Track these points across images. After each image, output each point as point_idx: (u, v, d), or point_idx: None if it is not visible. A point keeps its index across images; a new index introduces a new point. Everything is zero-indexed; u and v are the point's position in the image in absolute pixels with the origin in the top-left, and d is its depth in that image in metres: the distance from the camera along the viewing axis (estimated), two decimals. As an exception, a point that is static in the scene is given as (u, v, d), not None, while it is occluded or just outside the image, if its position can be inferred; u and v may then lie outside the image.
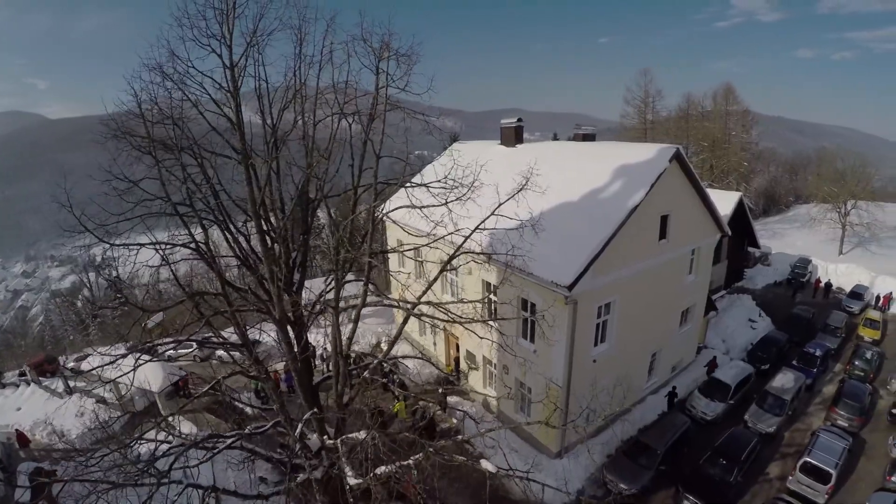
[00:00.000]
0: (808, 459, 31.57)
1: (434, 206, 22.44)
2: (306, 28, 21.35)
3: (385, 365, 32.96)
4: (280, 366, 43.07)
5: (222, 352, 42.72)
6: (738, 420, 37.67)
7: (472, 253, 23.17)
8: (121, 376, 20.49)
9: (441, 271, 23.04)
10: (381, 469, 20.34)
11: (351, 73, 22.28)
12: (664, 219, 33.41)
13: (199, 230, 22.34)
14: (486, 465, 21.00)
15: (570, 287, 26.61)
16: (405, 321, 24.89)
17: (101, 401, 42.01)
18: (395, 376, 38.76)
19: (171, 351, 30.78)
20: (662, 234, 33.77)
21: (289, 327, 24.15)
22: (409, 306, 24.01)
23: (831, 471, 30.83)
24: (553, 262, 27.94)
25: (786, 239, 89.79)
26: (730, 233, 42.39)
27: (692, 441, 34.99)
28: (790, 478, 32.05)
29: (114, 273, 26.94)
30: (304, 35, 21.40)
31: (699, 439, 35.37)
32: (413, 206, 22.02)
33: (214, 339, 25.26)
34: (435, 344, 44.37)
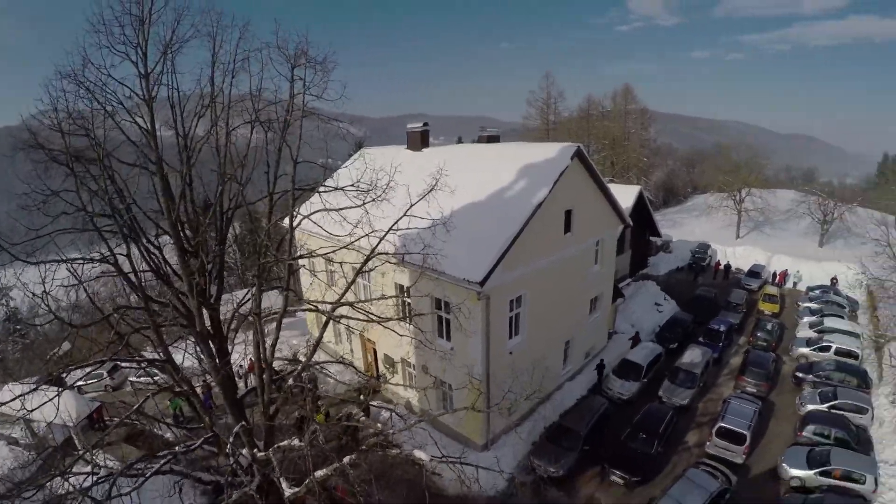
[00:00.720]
0: (723, 424, 34.64)
1: (351, 207, 22.81)
2: (223, 35, 20.85)
3: (305, 375, 31.82)
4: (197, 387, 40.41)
5: (135, 378, 41.83)
6: (653, 397, 40.41)
7: (387, 254, 24.01)
8: (32, 411, 19.17)
9: (358, 273, 23.23)
10: (319, 473, 20.67)
11: (267, 80, 21.98)
12: (568, 213, 35.50)
13: (117, 245, 21.25)
14: (419, 454, 21.81)
15: (482, 283, 27.87)
16: (325, 324, 24.66)
17: (13, 441, 38.38)
18: (315, 386, 37.64)
19: (80, 382, 29.74)
20: (567, 228, 35.88)
21: (209, 342, 23.63)
22: (328, 309, 24.04)
23: (745, 432, 33.98)
24: (464, 260, 29.01)
25: (685, 227, 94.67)
26: (631, 224, 45.38)
27: (612, 420, 37.15)
28: (708, 443, 35.01)
29: (11, 303, 25.60)
30: (221, 43, 20.91)
31: (618, 418, 37.66)
32: (330, 210, 22.66)
33: (133, 360, 24.06)
34: (352, 351, 44.67)
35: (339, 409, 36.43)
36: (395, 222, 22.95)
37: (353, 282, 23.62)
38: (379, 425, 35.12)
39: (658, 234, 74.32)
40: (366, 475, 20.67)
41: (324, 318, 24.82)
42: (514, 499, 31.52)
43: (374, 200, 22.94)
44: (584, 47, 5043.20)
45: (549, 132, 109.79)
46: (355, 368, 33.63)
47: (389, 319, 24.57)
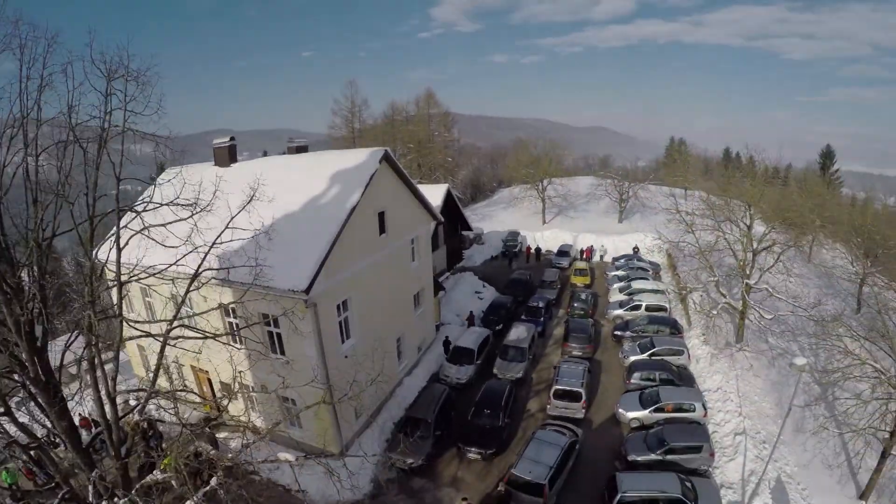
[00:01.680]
0: (558, 387, 37.32)
1: (178, 220, 21.50)
2: (32, 49, 18.33)
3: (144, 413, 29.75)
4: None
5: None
6: (489, 377, 41.90)
7: (215, 269, 23.19)
8: None
9: (188, 287, 22.29)
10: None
11: (79, 96, 19.47)
12: (381, 215, 36.31)
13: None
14: (283, 455, 21.57)
15: (307, 290, 28.09)
16: (162, 350, 22.74)
17: None
18: (154, 429, 35.71)
19: None
20: (382, 229, 36.69)
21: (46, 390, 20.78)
22: (163, 330, 22.42)
23: (579, 390, 36.86)
24: (287, 270, 28.83)
25: (495, 219, 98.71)
26: (443, 220, 47.13)
27: (456, 404, 38.54)
28: (548, 406, 37.38)
29: None
30: (31, 57, 18.36)
31: (462, 401, 39.05)
32: (156, 225, 20.91)
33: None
34: (185, 386, 42.22)
35: (185, 448, 34.85)
36: (219, 235, 22.47)
37: (184, 299, 22.67)
38: (229, 455, 33.95)
39: (469, 228, 77.95)
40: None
41: (155, 349, 23.77)
42: (382, 498, 31.95)
43: (202, 211, 21.75)
44: (388, 55, 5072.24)
45: (355, 140, 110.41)
46: (195, 400, 32.14)
47: (224, 334, 24.56)
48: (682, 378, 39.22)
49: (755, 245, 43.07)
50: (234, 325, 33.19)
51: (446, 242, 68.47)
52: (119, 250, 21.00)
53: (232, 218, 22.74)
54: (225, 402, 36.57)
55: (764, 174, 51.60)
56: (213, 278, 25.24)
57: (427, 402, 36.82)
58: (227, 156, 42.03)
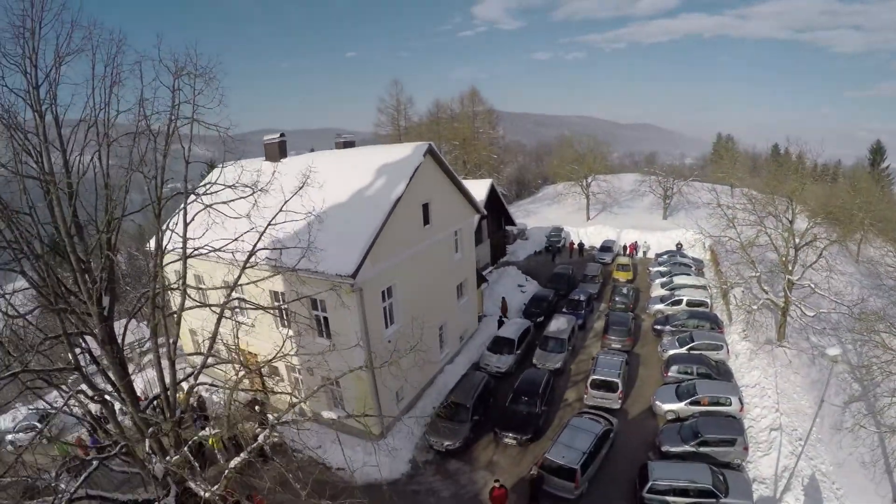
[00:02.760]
0: (595, 377, 37.72)
1: (236, 199, 22.43)
2: (106, 50, 20.07)
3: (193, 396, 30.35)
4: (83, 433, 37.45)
5: (12, 435, 39.88)
6: (529, 367, 42.45)
7: (268, 249, 23.84)
8: None
9: (244, 266, 23.01)
10: (234, 462, 21.27)
11: (149, 92, 20.86)
12: (426, 206, 37.39)
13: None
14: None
15: (354, 275, 29.23)
16: (218, 321, 23.40)
17: None
18: (203, 408, 37.88)
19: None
20: (426, 220, 37.76)
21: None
22: (221, 302, 23.66)
23: (616, 380, 37.20)
24: (334, 257, 29.85)
25: (539, 215, 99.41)
26: (486, 213, 48.09)
27: (495, 391, 39.29)
28: (585, 396, 38.02)
29: None
30: (109, 57, 20.19)
31: (501, 389, 39.81)
32: (213, 206, 22.00)
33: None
34: (236, 367, 43.43)
35: (231, 428, 35.79)
36: (275, 215, 23.21)
37: (241, 274, 23.16)
38: (275, 436, 34.66)
39: (513, 223, 78.62)
40: (276, 479, 21.28)
41: (208, 330, 24.45)
42: (419, 477, 32.75)
43: (260, 191, 22.56)
44: (431, 54, 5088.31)
45: (400, 137, 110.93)
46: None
47: (274, 307, 26.32)
48: (720, 373, 39.27)
49: (797, 240, 42.89)
50: (284, 311, 33.82)
51: (490, 237, 69.10)
52: (185, 226, 22.01)
53: (286, 201, 23.69)
54: (271, 383, 38.17)
55: (808, 168, 51.23)
56: (267, 258, 25.97)
57: (466, 389, 37.47)
58: (278, 151, 43.40)
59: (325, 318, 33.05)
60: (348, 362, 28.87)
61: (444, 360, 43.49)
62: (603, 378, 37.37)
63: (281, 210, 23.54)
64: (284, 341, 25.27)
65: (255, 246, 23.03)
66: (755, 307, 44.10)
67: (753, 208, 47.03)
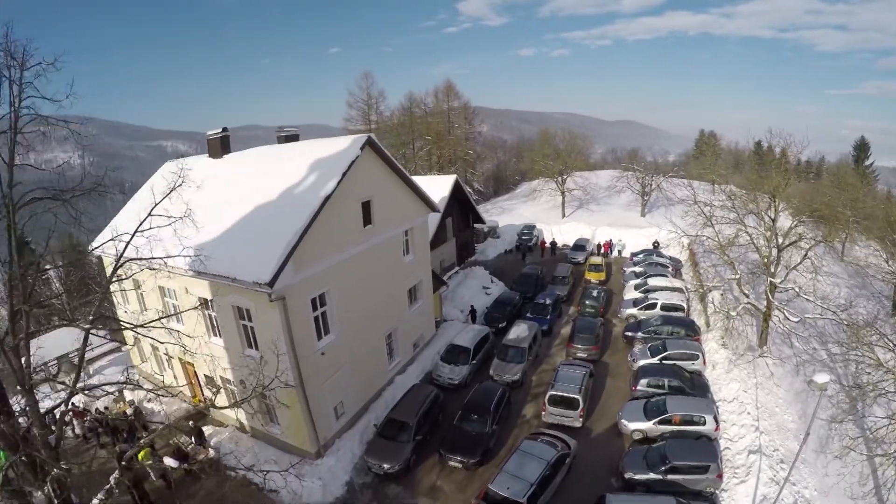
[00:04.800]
0: (554, 392, 34.24)
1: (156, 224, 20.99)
2: None
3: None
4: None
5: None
6: (486, 378, 39.47)
7: (142, 259, 21.24)
8: None
9: (110, 280, 21.53)
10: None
11: None
12: (366, 205, 34.03)
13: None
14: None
15: (271, 284, 25.95)
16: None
17: None
18: (137, 417, 36.20)
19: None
20: (368, 220, 34.38)
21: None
22: (136, 324, 21.86)
23: (576, 396, 33.77)
24: (254, 262, 27.14)
25: (515, 212, 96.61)
26: (440, 210, 44.29)
27: (444, 406, 35.98)
28: (543, 413, 34.58)
29: None
30: None
31: (453, 403, 36.39)
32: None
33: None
34: (176, 377, 40.88)
35: (167, 438, 33.57)
36: (141, 222, 20.72)
37: (107, 287, 22.74)
38: (210, 451, 33.20)
39: (481, 221, 75.10)
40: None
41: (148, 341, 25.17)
42: (354, 502, 29.98)
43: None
44: (416, 50, 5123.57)
45: (371, 133, 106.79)
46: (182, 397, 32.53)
47: (164, 317, 23.89)
48: (695, 386, 35.95)
49: (780, 240, 39.45)
50: (214, 319, 32.02)
51: (456, 235, 65.90)
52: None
53: (157, 204, 21.03)
54: (211, 397, 35.61)
55: (790, 163, 47.63)
56: (148, 268, 22.90)
57: (411, 404, 34.34)
58: (220, 147, 41.11)
59: (252, 329, 29.88)
60: (277, 376, 25.72)
61: (393, 371, 40.41)
62: (562, 394, 33.99)
63: (150, 214, 20.86)
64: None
65: (121, 254, 20.55)
66: (734, 313, 40.56)
67: (733, 205, 43.24)
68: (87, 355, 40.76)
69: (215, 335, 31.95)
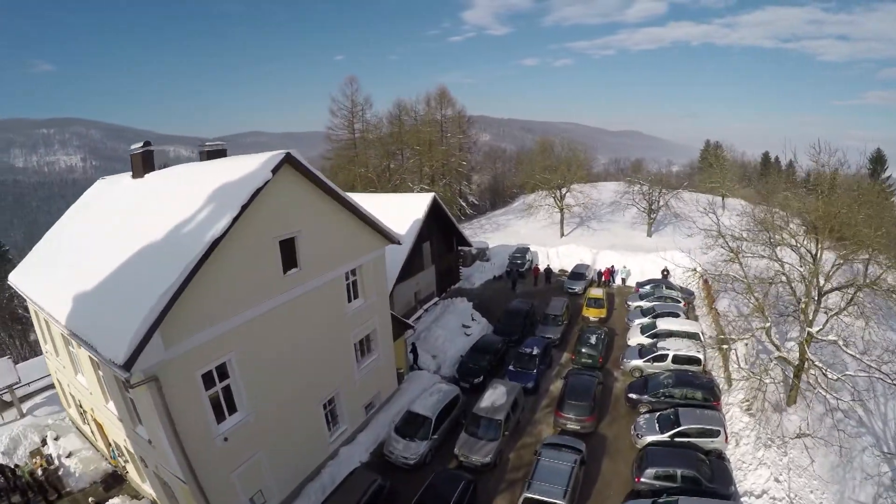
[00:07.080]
0: (529, 495, 25.96)
1: None
2: None
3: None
4: None
5: None
6: (450, 457, 31.84)
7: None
8: None
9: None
10: None
11: None
12: (288, 243, 26.38)
13: None
14: None
15: (127, 366, 18.30)
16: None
17: None
18: (47, 478, 31.71)
19: None
20: (291, 263, 26.70)
21: None
22: None
23: (560, 502, 25.42)
24: (117, 328, 19.58)
25: (509, 229, 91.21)
26: (401, 241, 35.95)
27: (392, 497, 28.24)
28: None
29: None
30: None
31: (404, 490, 28.42)
32: None
33: None
34: (94, 433, 34.53)
35: None
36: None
37: None
38: None
39: (467, 244, 65.99)
40: None
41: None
42: None
43: None
44: (420, 58, 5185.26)
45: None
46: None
47: None
48: (715, 475, 27.81)
49: (822, 282, 31.35)
50: (102, 380, 26.20)
51: (436, 262, 57.45)
52: None
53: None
54: (122, 464, 32.20)
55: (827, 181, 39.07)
56: None
57: (346, 497, 26.69)
58: (142, 164, 33.59)
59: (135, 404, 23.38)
60: (170, 468, 22.22)
61: (337, 442, 32.57)
62: (541, 499, 25.62)
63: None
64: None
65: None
66: (768, 372, 31.85)
67: (769, 239, 34.76)
68: (23, 391, 39.46)
69: (110, 400, 26.12)
